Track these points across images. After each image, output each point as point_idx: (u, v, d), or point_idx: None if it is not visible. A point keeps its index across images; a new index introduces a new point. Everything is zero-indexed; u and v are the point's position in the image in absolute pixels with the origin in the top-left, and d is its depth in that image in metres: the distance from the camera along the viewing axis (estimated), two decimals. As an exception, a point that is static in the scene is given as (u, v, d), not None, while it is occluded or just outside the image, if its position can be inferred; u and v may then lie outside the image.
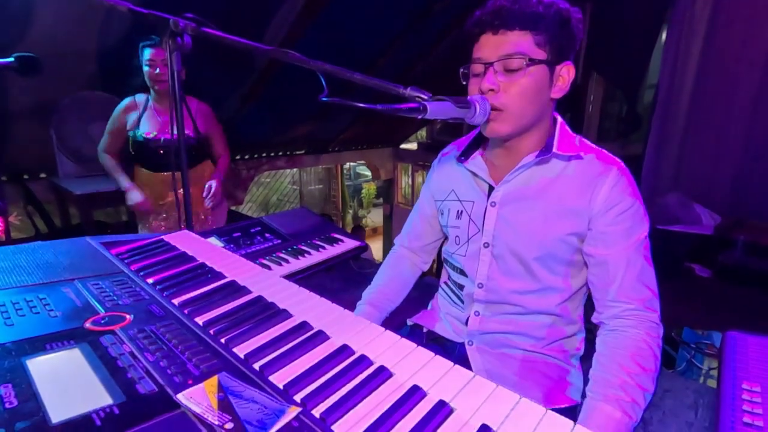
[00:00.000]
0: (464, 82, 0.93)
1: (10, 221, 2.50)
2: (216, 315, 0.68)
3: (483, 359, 1.01)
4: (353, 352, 0.60)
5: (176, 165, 1.89)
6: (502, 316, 0.99)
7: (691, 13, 3.02)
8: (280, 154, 4.41)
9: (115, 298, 0.70)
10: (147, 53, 1.88)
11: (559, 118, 0.96)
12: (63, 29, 2.22)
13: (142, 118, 1.94)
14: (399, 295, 1.20)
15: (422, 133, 5.70)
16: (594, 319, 0.94)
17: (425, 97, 0.88)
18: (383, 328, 0.65)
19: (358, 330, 0.65)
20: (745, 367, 1.00)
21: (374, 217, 7.03)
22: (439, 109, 0.83)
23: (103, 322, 0.61)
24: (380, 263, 1.30)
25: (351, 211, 6.85)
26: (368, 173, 6.39)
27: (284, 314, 0.69)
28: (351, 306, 1.20)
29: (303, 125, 4.00)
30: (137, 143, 1.94)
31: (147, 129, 1.94)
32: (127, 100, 1.99)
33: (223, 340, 0.62)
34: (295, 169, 6.06)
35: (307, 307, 0.72)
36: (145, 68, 1.88)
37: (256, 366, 0.57)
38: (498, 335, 1.00)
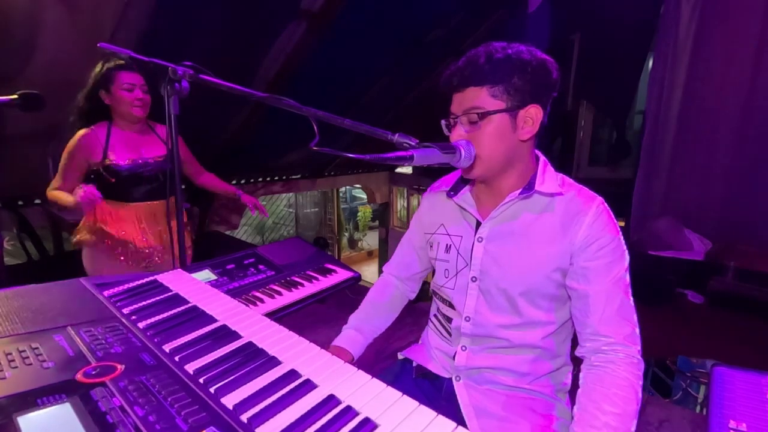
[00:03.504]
0: (446, 133, 0.99)
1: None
2: (206, 363, 0.69)
3: (470, 395, 1.02)
4: (339, 402, 0.61)
5: (157, 194, 1.85)
6: (489, 351, 1.02)
7: (675, 42, 3.12)
8: (276, 178, 4.44)
9: (107, 345, 0.71)
10: (123, 77, 1.75)
11: (542, 157, 1.00)
12: (63, 58, 2.28)
13: (108, 147, 1.78)
14: (384, 323, 1.24)
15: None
16: (577, 352, 0.97)
17: (412, 144, 0.92)
18: (369, 376, 0.67)
19: (345, 378, 0.66)
20: (732, 405, 1.01)
21: (370, 240, 7.04)
22: (426, 156, 0.87)
23: (94, 373, 0.62)
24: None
25: (347, 234, 6.86)
26: (364, 196, 6.43)
27: (273, 361, 0.70)
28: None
29: (299, 150, 4.05)
30: (110, 173, 1.77)
31: (120, 156, 1.79)
32: (82, 133, 1.76)
33: (212, 390, 0.63)
34: (290, 193, 6.10)
35: (297, 353, 0.73)
36: (121, 92, 1.74)
37: (244, 418, 0.58)
38: (484, 371, 1.02)
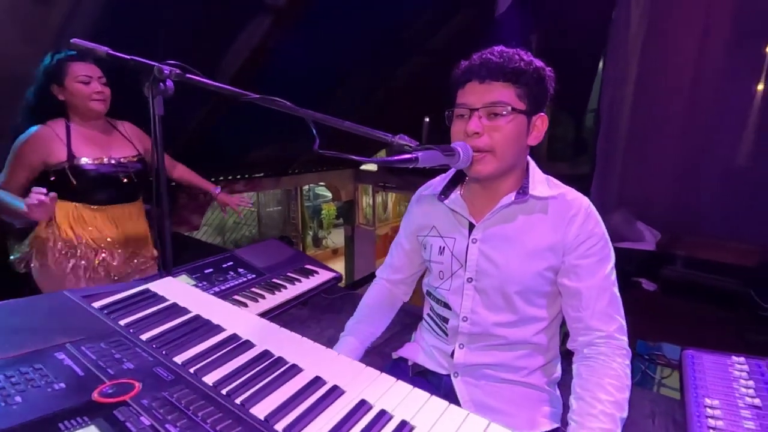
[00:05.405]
0: (448, 124, 1.00)
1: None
2: (225, 374, 0.68)
3: (469, 390, 1.05)
4: (371, 407, 0.62)
5: (126, 197, 1.73)
6: (486, 348, 1.05)
7: (625, 43, 3.32)
8: (239, 177, 4.31)
9: (116, 362, 0.67)
10: (78, 68, 1.59)
11: (531, 161, 1.04)
12: (12, 52, 2.10)
13: (72, 145, 1.62)
14: (380, 327, 1.25)
15: (381, 154, 5.79)
16: (569, 345, 1.02)
17: (414, 146, 0.93)
18: (394, 378, 0.67)
19: (370, 381, 0.67)
20: (704, 384, 1.10)
21: (335, 238, 6.98)
22: (429, 158, 0.88)
23: (111, 392, 0.59)
24: (346, 287, 1.33)
25: (311, 233, 6.78)
26: (327, 194, 6.37)
27: (295, 369, 0.70)
28: (323, 335, 1.21)
29: (264, 148, 3.96)
30: (76, 174, 1.62)
31: (86, 156, 1.64)
32: (36, 129, 1.57)
33: (238, 401, 0.62)
34: (253, 192, 5.93)
35: (316, 359, 0.73)
36: (77, 85, 1.59)
37: (279, 428, 0.57)
38: (482, 367, 1.05)
